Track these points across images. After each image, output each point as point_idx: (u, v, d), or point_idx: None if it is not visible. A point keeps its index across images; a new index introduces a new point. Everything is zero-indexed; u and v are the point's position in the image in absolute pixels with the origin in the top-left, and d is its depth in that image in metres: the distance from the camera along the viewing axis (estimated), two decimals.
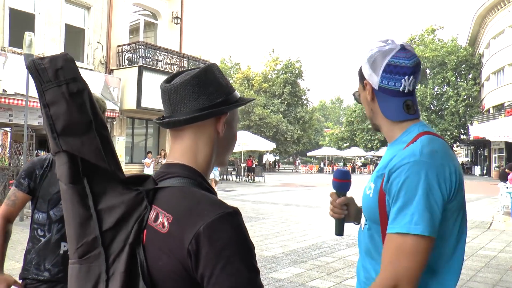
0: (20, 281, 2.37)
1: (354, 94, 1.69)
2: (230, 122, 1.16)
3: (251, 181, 29.04)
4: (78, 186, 1.03)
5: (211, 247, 0.92)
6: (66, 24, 16.68)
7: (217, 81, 1.12)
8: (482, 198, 18.12)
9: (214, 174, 14.88)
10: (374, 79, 1.50)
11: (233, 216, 0.97)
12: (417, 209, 1.29)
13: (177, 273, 0.95)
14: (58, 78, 1.00)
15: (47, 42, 15.84)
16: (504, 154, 37.06)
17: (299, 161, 63.70)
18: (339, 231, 1.78)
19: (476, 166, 48.11)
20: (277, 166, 56.01)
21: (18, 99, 13.68)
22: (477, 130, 15.71)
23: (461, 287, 5.59)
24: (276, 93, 51.23)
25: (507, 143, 34.19)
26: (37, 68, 1.01)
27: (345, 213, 1.76)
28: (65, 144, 1.01)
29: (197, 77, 1.10)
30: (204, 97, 1.09)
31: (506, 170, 14.61)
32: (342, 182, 1.73)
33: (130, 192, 1.02)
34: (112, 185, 1.03)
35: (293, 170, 55.71)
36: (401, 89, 1.47)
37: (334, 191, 1.78)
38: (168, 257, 0.96)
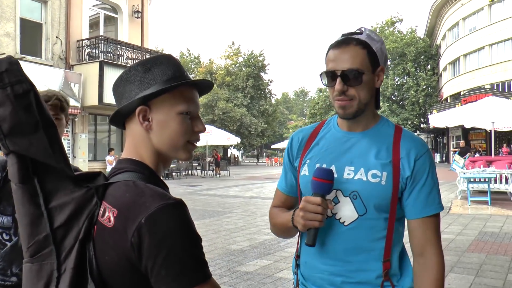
0: None
1: (358, 70, 1.46)
2: (163, 111, 1.13)
3: (217, 175, 28.96)
4: (29, 186, 1.04)
5: (152, 238, 0.93)
6: (21, 19, 16.14)
7: (141, 76, 1.13)
8: (442, 184, 18.69)
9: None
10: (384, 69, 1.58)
11: (175, 207, 0.97)
12: (438, 191, 1.54)
13: (123, 266, 0.97)
14: (2, 81, 1.00)
15: (1, 38, 15.30)
16: (462, 141, 38.36)
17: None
18: (315, 241, 1.46)
19: (436, 154, 49.59)
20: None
21: None
22: (435, 120, 16.19)
23: None
24: (239, 87, 51.18)
25: (463, 130, 35.47)
26: None
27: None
28: (12, 144, 1.01)
29: (121, 77, 1.16)
30: (125, 96, 1.14)
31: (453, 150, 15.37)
32: (328, 183, 1.43)
33: (80, 189, 1.04)
34: (64, 183, 1.05)
35: (256, 163, 55.83)
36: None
37: (314, 194, 1.45)
38: (114, 251, 0.97)
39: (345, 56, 1.47)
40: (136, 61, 18.41)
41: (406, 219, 1.55)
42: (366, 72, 1.48)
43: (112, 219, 0.98)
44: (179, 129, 1.14)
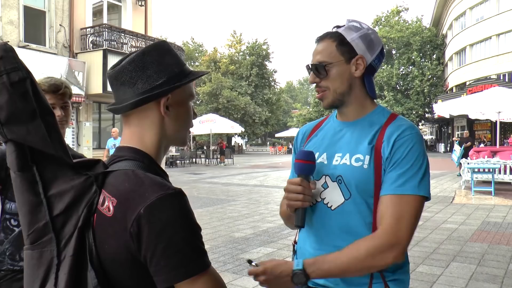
0: None
1: (324, 62, 1.54)
2: (178, 101, 1.14)
3: (222, 163, 29.01)
4: (27, 174, 1.04)
5: (151, 229, 0.93)
6: (25, 6, 16.09)
7: (157, 62, 1.11)
8: (446, 174, 18.70)
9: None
10: (367, 57, 1.56)
11: (175, 197, 0.97)
12: (422, 173, 1.44)
13: (122, 255, 0.97)
14: None
15: (4, 26, 15.28)
16: (465, 131, 38.28)
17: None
18: (303, 222, 1.51)
19: (440, 144, 49.46)
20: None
21: None
22: (440, 108, 16.14)
23: (425, 259, 5.81)
24: (244, 75, 51.08)
25: (468, 121, 35.32)
26: None
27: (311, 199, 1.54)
28: (10, 133, 1.01)
29: (133, 61, 1.10)
30: (142, 81, 1.09)
31: (454, 138, 15.58)
32: (308, 164, 1.51)
33: (79, 177, 1.04)
34: (63, 171, 1.05)
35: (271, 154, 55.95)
36: (377, 69, 1.62)
37: (297, 175, 1.53)
38: (113, 240, 0.98)
39: (317, 50, 1.58)
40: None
41: None
42: (336, 63, 1.53)
43: (111, 208, 0.98)
44: (189, 117, 1.19)
